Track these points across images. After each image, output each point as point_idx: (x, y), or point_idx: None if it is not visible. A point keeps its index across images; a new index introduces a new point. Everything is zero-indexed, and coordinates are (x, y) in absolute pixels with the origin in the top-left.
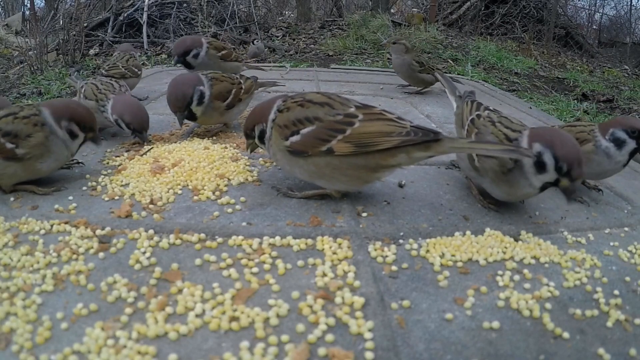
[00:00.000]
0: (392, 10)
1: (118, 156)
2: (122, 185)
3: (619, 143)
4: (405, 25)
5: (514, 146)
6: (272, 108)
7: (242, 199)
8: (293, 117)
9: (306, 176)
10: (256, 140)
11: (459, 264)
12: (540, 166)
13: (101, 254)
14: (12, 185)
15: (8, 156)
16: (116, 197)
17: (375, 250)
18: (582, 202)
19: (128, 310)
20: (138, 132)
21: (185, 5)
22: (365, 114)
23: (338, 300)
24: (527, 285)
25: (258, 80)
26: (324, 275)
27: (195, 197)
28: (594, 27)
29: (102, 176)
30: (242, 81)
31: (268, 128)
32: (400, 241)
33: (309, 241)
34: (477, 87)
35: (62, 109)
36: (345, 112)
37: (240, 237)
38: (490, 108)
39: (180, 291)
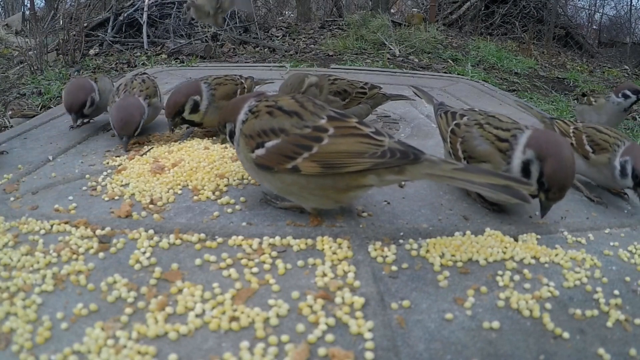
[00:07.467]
0: (392, 10)
1: (118, 156)
2: (122, 185)
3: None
4: (405, 25)
5: (510, 178)
6: (243, 108)
7: (242, 199)
8: (259, 126)
9: (275, 191)
10: (227, 137)
11: (459, 264)
12: (525, 172)
13: (101, 254)
14: None
15: None
16: (116, 197)
17: (375, 250)
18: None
19: (128, 310)
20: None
21: (185, 5)
22: (337, 128)
23: (338, 300)
24: (527, 285)
25: (255, 79)
26: (324, 275)
27: (195, 197)
28: (594, 27)
29: (102, 176)
30: (243, 81)
31: (237, 130)
32: (400, 241)
33: (309, 241)
34: (477, 87)
35: None
36: (314, 124)
37: (240, 237)
38: (475, 109)
39: (180, 291)
